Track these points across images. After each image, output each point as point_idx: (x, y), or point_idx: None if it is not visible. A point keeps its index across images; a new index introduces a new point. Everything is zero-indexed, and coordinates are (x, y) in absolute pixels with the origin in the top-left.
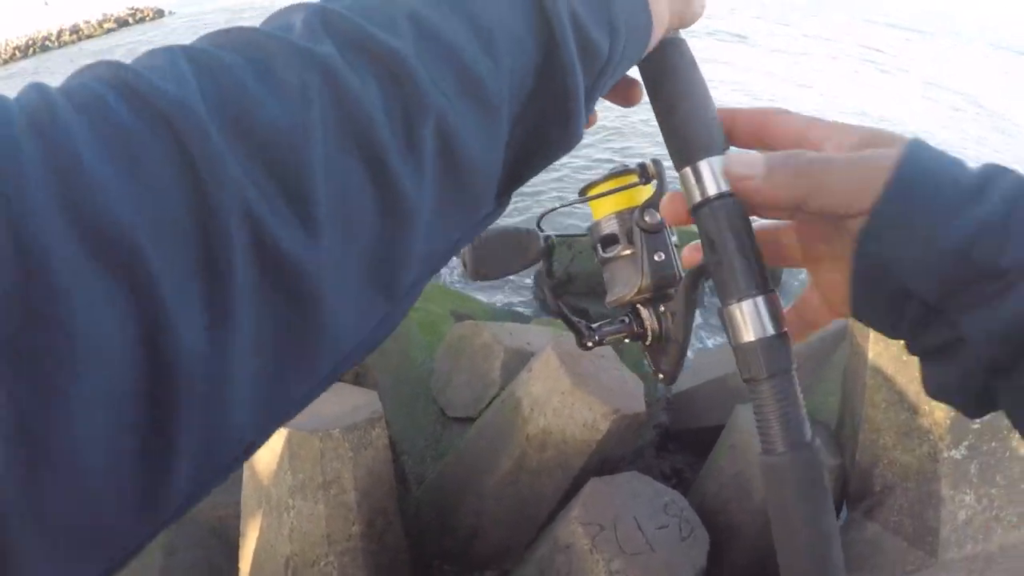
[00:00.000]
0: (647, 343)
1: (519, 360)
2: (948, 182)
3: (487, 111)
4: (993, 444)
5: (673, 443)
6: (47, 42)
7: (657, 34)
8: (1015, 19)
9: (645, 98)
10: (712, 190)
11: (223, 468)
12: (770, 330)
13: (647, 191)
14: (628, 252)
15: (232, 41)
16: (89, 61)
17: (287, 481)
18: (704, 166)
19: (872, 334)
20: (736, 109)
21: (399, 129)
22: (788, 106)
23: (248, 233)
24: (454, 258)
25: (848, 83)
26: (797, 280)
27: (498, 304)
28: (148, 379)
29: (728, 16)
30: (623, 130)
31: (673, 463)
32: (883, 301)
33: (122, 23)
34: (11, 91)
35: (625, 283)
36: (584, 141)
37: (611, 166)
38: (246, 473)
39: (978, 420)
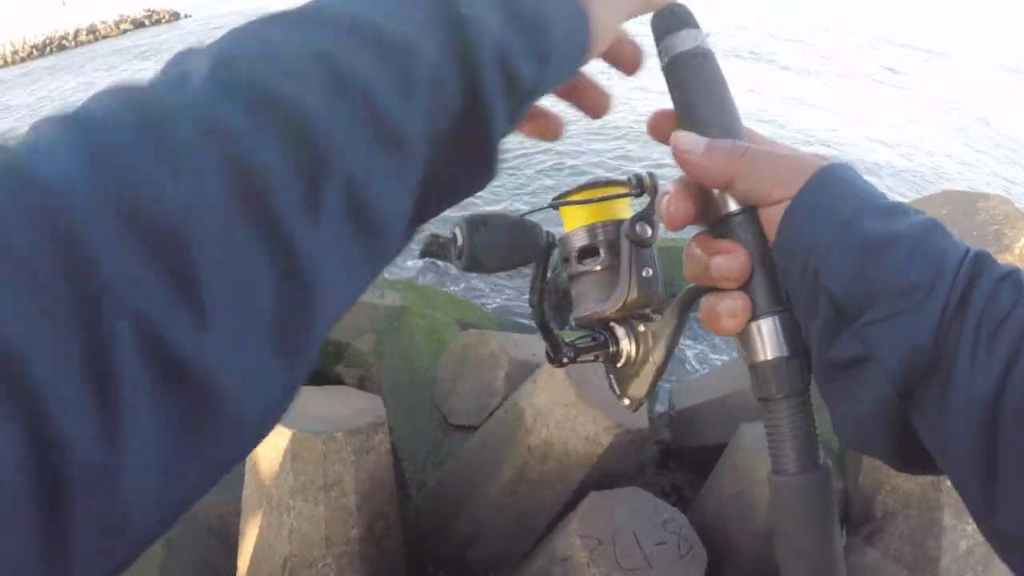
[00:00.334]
0: (618, 365)
1: (524, 371)
2: (866, 191)
3: (401, 158)
4: None
5: (674, 460)
6: (64, 41)
7: (594, 55)
8: None
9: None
10: (734, 206)
11: (125, 563)
12: (788, 350)
13: (626, 203)
14: (605, 266)
15: (127, 106)
16: (106, 60)
17: (288, 482)
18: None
19: None
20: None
21: (304, 193)
22: (799, 126)
23: (137, 333)
24: (456, 256)
25: (860, 103)
26: None
27: (504, 314)
28: (40, 495)
29: (740, 33)
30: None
31: (673, 480)
32: (804, 293)
33: (138, 24)
34: (30, 88)
35: (603, 298)
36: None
37: (587, 178)
38: (248, 472)
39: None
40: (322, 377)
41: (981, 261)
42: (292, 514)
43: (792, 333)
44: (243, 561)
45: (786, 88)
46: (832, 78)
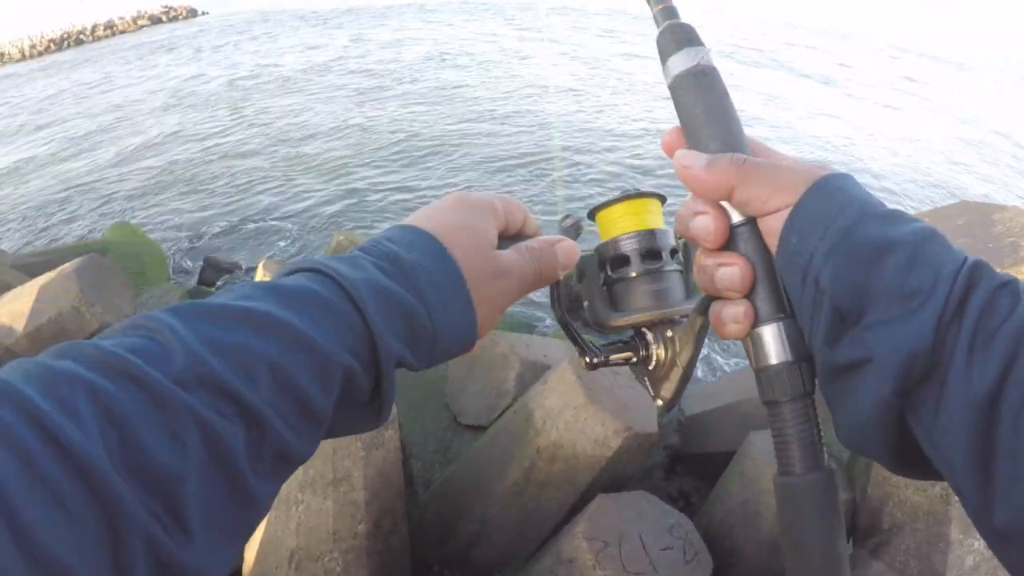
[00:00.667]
0: (650, 368)
1: (534, 372)
2: (864, 200)
3: (317, 426)
4: None
5: (682, 466)
6: (81, 36)
7: (482, 336)
8: None
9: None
10: (736, 218)
11: None
12: (792, 355)
13: (658, 214)
14: (640, 272)
15: (130, 384)
16: (123, 55)
17: (297, 475)
18: None
19: None
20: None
21: (253, 455)
22: (816, 134)
23: (146, 548)
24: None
25: (878, 112)
26: None
27: (515, 315)
28: None
29: (759, 41)
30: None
31: (681, 486)
32: (806, 298)
33: (155, 20)
34: (47, 81)
35: (667, 301)
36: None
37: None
38: None
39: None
40: None
41: (979, 269)
42: (300, 508)
43: (795, 339)
44: (250, 553)
45: (803, 96)
46: (850, 87)
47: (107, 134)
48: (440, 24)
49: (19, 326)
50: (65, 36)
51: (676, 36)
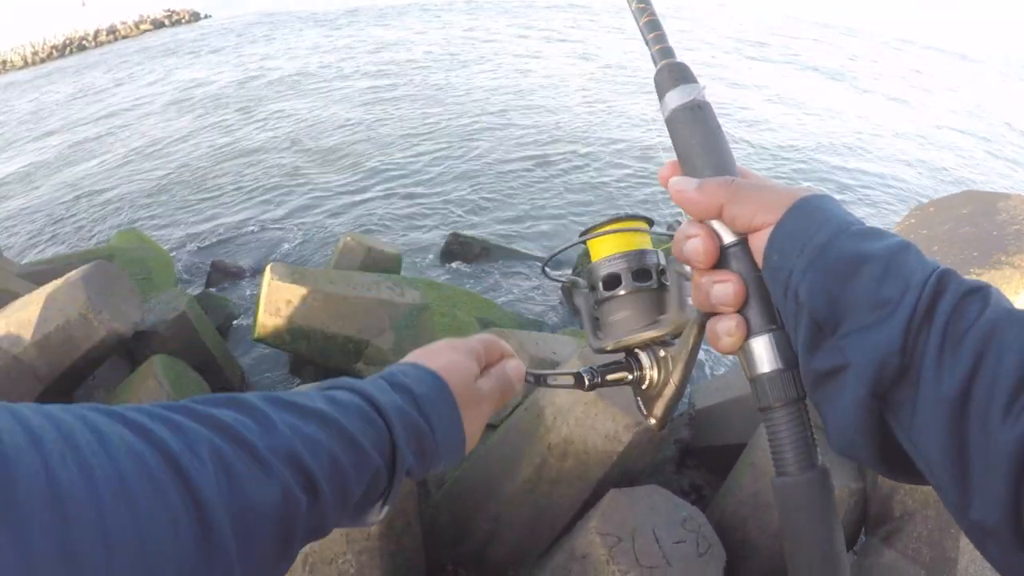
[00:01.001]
0: (643, 387)
1: (543, 369)
2: (842, 219)
3: (345, 509)
4: None
5: (693, 459)
6: (84, 42)
7: (473, 442)
8: None
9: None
10: (728, 238)
11: None
12: (782, 363)
13: (647, 235)
14: (632, 291)
15: (235, 449)
16: (126, 61)
17: None
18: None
19: None
20: None
21: (306, 523)
22: (824, 128)
23: (224, 568)
24: (463, 261)
25: (885, 104)
26: None
27: (524, 312)
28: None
29: (767, 36)
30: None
31: (692, 479)
32: (789, 310)
33: (158, 25)
34: (47, 88)
35: (643, 323)
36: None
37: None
38: None
39: None
40: (342, 374)
41: (947, 277)
42: None
43: (785, 348)
44: None
45: (812, 90)
46: (854, 79)
47: (111, 140)
48: (443, 23)
49: (27, 335)
50: (68, 42)
51: (672, 74)
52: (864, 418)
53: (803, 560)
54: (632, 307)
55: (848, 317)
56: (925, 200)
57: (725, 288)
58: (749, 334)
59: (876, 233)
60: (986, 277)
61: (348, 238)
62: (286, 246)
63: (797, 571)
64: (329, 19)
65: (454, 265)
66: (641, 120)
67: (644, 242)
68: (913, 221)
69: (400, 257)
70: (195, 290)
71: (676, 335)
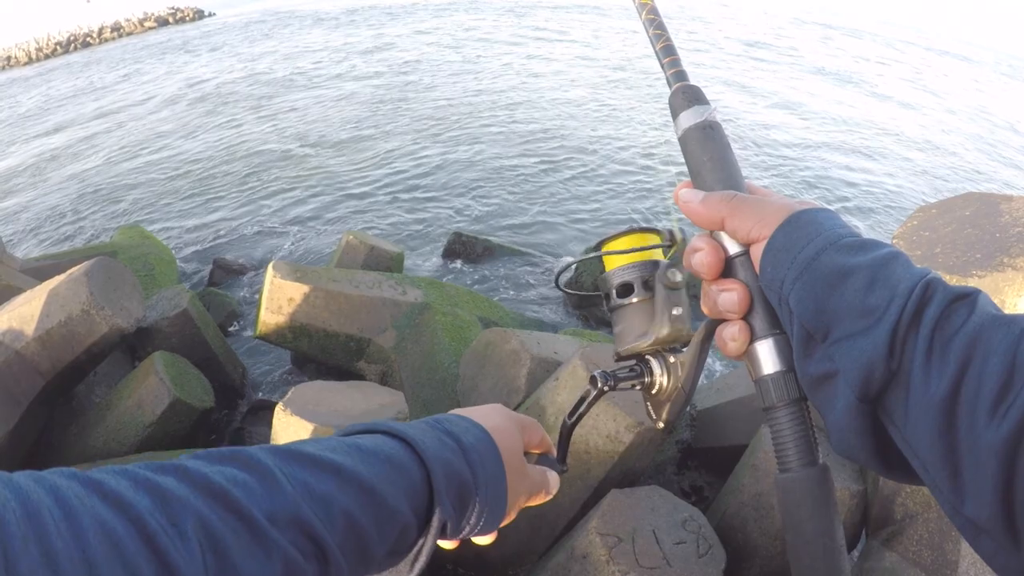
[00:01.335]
0: (653, 392)
1: (545, 369)
2: (834, 232)
3: (368, 567)
4: None
5: (694, 460)
6: (88, 38)
7: (507, 520)
8: None
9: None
10: (733, 249)
11: None
12: (784, 365)
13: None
14: (642, 299)
15: (227, 520)
16: (130, 58)
17: None
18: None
19: None
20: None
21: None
22: (828, 128)
23: None
24: (465, 260)
25: (889, 105)
26: None
27: (526, 312)
28: None
29: (770, 37)
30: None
31: (693, 480)
32: (784, 319)
33: (162, 22)
34: (51, 84)
35: (640, 333)
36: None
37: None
38: None
39: None
40: (344, 372)
41: (934, 285)
42: None
43: (787, 351)
44: None
45: (815, 92)
46: (861, 82)
47: (115, 136)
48: (450, 23)
49: (29, 330)
50: (72, 39)
51: (686, 95)
52: (858, 421)
53: (804, 553)
54: (636, 317)
55: (836, 325)
56: (928, 202)
57: (730, 296)
58: (753, 338)
59: (866, 244)
60: (988, 279)
61: (350, 236)
62: (288, 244)
63: (799, 564)
64: (334, 18)
65: (456, 264)
66: (647, 125)
67: (655, 254)
68: (916, 223)
69: (402, 256)
70: (197, 287)
71: (672, 343)
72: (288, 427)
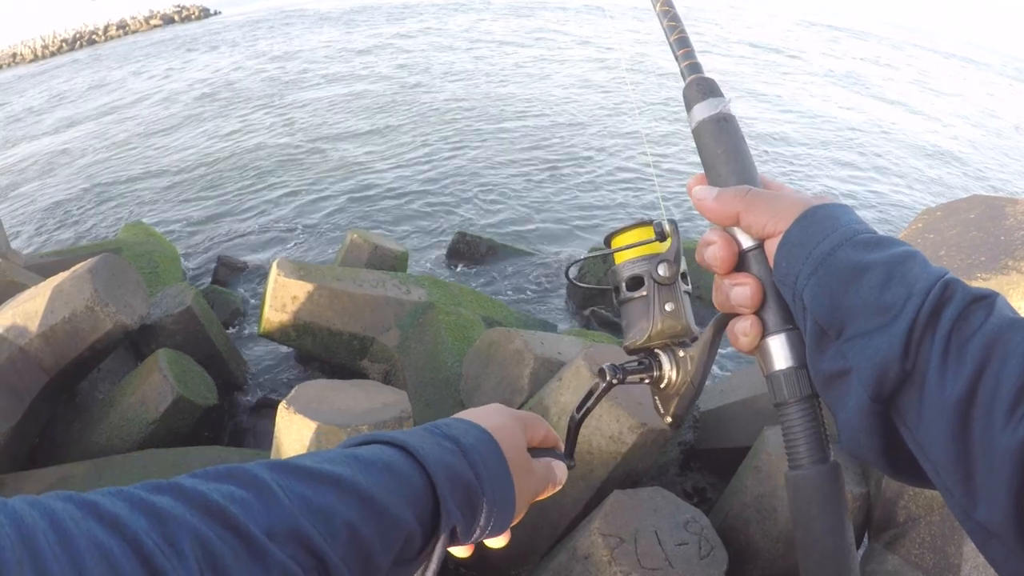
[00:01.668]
0: (661, 386)
1: (548, 369)
2: (850, 227)
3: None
4: None
5: (697, 461)
6: (94, 36)
7: (517, 519)
8: None
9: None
10: (747, 243)
11: None
12: (796, 361)
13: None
14: (647, 293)
15: (225, 537)
16: (135, 56)
17: None
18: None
19: None
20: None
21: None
22: (835, 129)
23: None
24: (469, 259)
25: (896, 108)
26: None
27: (529, 312)
28: None
29: (778, 39)
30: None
31: (696, 482)
32: (799, 315)
33: (168, 20)
34: (57, 81)
35: (640, 328)
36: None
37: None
38: None
39: None
40: (347, 371)
41: (953, 285)
42: None
43: (800, 347)
44: None
45: (822, 93)
46: (868, 84)
47: (119, 134)
48: (455, 24)
49: (33, 326)
50: (77, 36)
51: (700, 88)
52: (869, 421)
53: (814, 550)
54: (639, 311)
55: (851, 322)
56: (933, 204)
57: (743, 290)
58: (765, 333)
59: (883, 241)
60: (993, 282)
61: (355, 235)
62: (293, 242)
63: (808, 561)
64: (339, 17)
65: (460, 264)
66: (655, 126)
67: (662, 247)
68: (920, 225)
69: (406, 255)
70: (201, 285)
71: (669, 339)
72: (291, 425)
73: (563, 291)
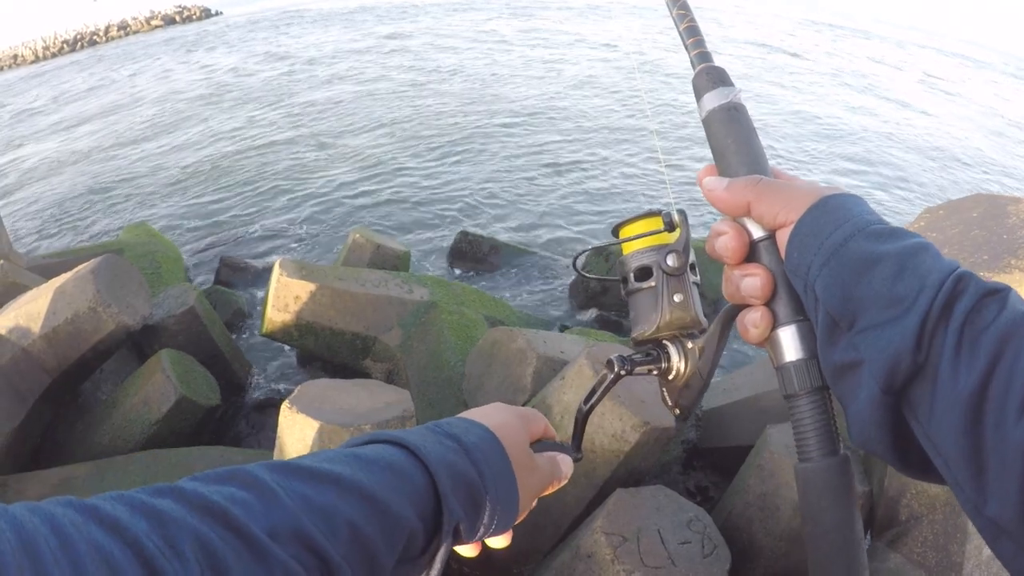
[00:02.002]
0: (669, 378)
1: (551, 368)
2: (862, 218)
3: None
4: None
5: (700, 460)
6: (95, 37)
7: (521, 516)
8: None
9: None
10: (758, 234)
11: None
12: (806, 353)
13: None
14: (653, 285)
15: (227, 538)
16: (137, 56)
17: None
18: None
19: None
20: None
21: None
22: (840, 127)
23: None
24: (472, 259)
25: (901, 107)
26: None
27: (532, 311)
28: None
29: (787, 39)
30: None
31: (698, 480)
32: (810, 306)
33: (169, 21)
34: (58, 81)
35: (647, 319)
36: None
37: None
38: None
39: None
40: (350, 370)
41: (966, 278)
42: None
43: (810, 339)
44: None
45: (824, 91)
46: (871, 83)
47: (121, 134)
48: (455, 23)
49: (35, 327)
50: (78, 37)
51: (711, 76)
52: (879, 413)
53: (823, 544)
54: (647, 302)
55: (863, 314)
56: (936, 202)
57: (754, 281)
58: (776, 325)
59: (895, 232)
60: (995, 280)
61: (357, 235)
62: (295, 242)
63: (817, 554)
64: (340, 17)
65: (463, 263)
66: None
67: (674, 236)
68: (923, 223)
69: (409, 254)
70: (204, 285)
71: (677, 330)
72: (294, 425)
73: (566, 290)
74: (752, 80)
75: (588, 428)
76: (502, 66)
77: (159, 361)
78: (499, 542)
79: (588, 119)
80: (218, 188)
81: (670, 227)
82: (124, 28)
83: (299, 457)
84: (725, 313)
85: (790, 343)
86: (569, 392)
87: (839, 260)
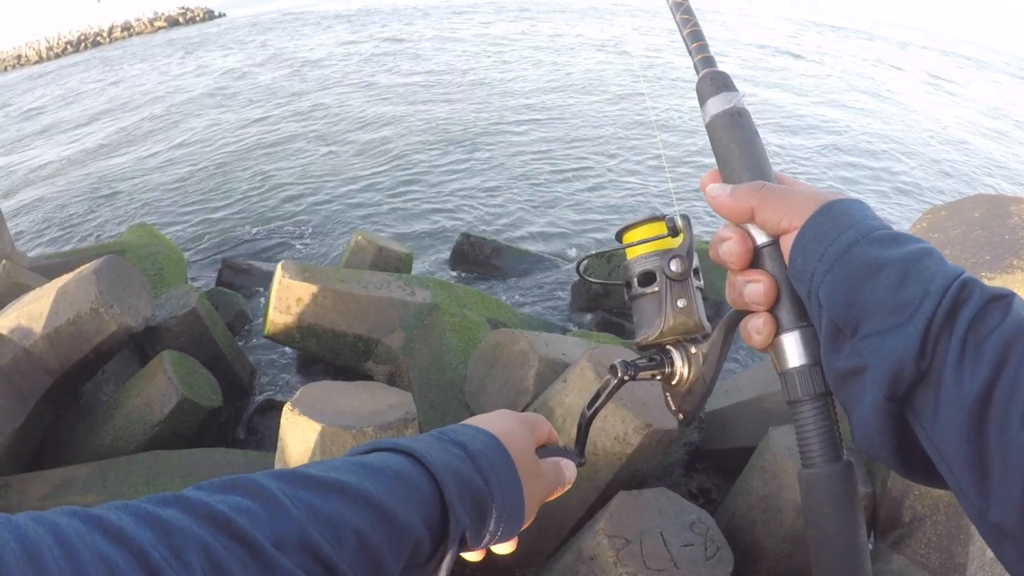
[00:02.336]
0: (673, 383)
1: (553, 370)
2: (866, 224)
3: None
4: None
5: (702, 462)
6: (99, 38)
7: (527, 523)
8: None
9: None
10: (761, 239)
11: None
12: (810, 359)
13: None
14: (657, 290)
15: (232, 548)
16: (140, 57)
17: None
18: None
19: None
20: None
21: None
22: (843, 128)
23: None
24: (474, 261)
25: (904, 107)
26: None
27: (534, 313)
28: None
29: (789, 40)
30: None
31: (701, 483)
32: (814, 312)
33: (172, 22)
34: (61, 82)
35: (651, 324)
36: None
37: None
38: (277, 465)
39: None
40: (352, 372)
41: (970, 285)
42: None
43: (814, 345)
44: None
45: (832, 93)
46: (874, 84)
47: (123, 135)
48: (457, 25)
49: (37, 328)
50: (82, 38)
51: (714, 82)
52: (883, 420)
53: (826, 549)
54: (650, 307)
55: (866, 320)
56: (938, 203)
57: (757, 287)
58: (779, 331)
59: (899, 238)
60: (998, 281)
61: (359, 237)
62: (297, 244)
63: (820, 560)
64: (345, 19)
65: (465, 265)
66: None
67: (678, 241)
68: (925, 224)
69: (411, 256)
70: (206, 287)
71: (680, 335)
72: (296, 427)
73: (568, 292)
74: (755, 83)
75: (591, 430)
76: (506, 69)
77: (161, 362)
78: (504, 548)
79: (592, 122)
80: (221, 190)
81: (674, 232)
82: (128, 29)
83: (304, 465)
84: (729, 319)
85: (793, 349)
86: (571, 394)
87: (843, 266)
